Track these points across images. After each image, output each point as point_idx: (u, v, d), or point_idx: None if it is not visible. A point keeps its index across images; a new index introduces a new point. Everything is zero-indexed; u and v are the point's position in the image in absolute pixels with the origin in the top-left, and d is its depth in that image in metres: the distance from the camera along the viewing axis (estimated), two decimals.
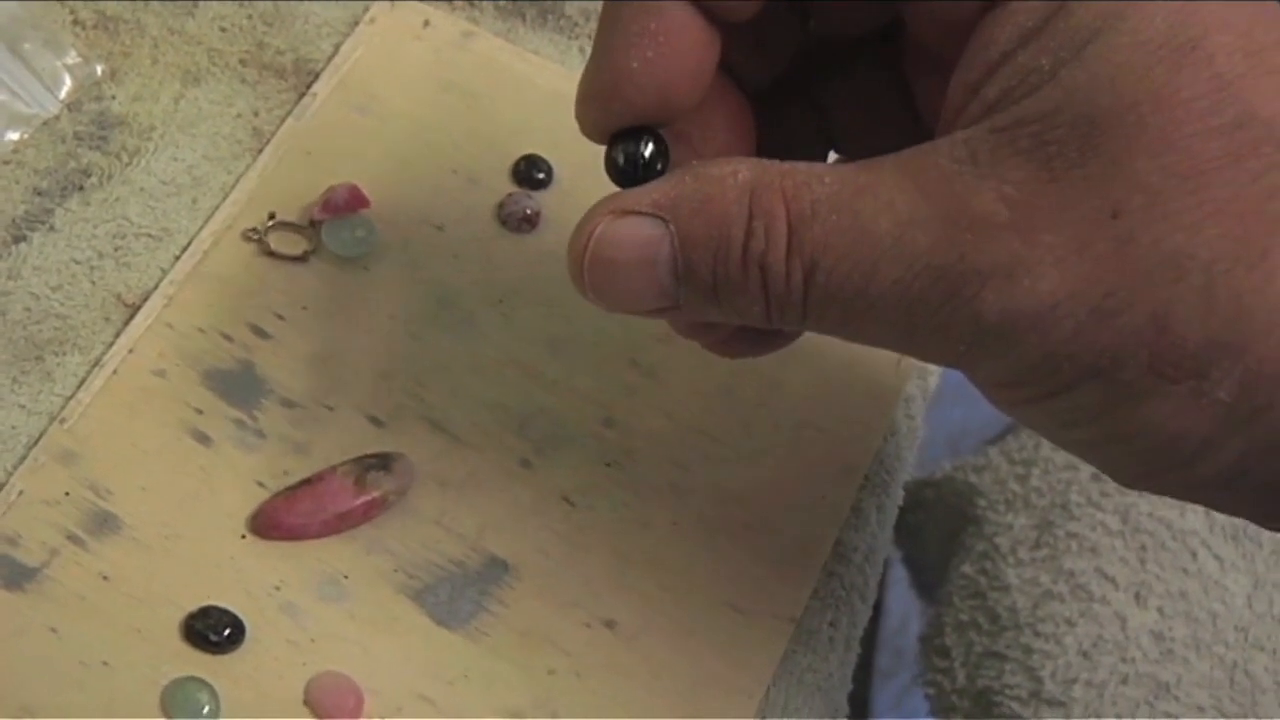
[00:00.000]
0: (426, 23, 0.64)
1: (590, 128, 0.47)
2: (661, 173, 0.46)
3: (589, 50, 0.63)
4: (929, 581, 0.87)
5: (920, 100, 0.49)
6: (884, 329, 0.44)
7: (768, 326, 0.46)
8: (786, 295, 0.44)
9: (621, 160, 0.46)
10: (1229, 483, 0.43)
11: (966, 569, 0.78)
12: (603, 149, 0.47)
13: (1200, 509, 0.76)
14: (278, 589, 0.54)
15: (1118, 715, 0.72)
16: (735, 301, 0.45)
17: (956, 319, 0.42)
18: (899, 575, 1.34)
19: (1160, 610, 0.74)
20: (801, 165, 0.44)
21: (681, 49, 0.45)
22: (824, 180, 0.43)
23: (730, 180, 0.44)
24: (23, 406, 0.56)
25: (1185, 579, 0.75)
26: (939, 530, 0.83)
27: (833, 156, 0.53)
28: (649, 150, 0.46)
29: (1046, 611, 0.75)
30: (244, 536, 0.55)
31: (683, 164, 0.46)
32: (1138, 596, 0.74)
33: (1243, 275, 0.40)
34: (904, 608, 1.36)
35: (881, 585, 1.40)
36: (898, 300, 0.43)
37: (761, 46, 0.48)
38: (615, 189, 0.46)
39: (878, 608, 1.42)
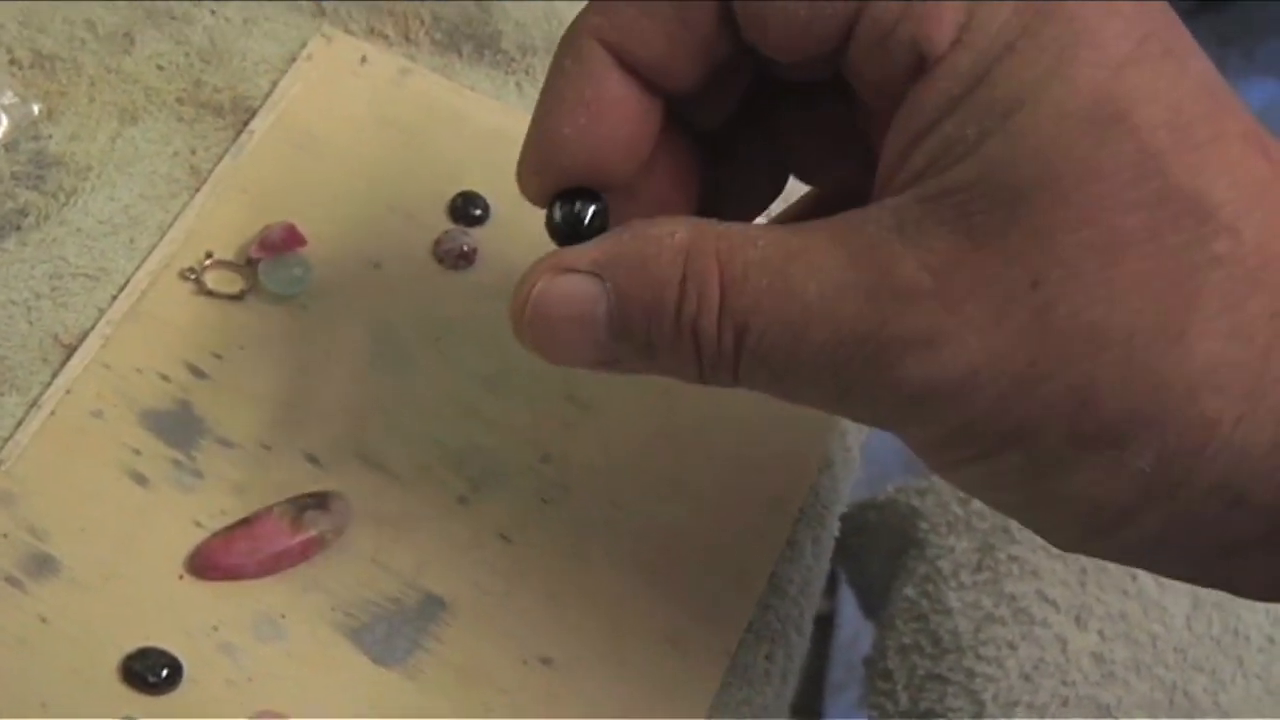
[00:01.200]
0: (363, 59, 0.64)
1: (530, 193, 0.48)
2: (601, 230, 0.46)
3: (525, 86, 0.63)
4: (873, 603, 0.87)
5: (872, 138, 0.48)
6: (813, 391, 0.44)
7: (701, 383, 0.46)
8: (718, 357, 0.44)
9: (559, 219, 0.46)
10: (1155, 551, 0.44)
11: (909, 592, 0.78)
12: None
13: None
14: (215, 629, 0.54)
15: None
16: (669, 361, 0.45)
17: (880, 385, 0.43)
18: (850, 592, 1.35)
19: (1101, 633, 0.74)
20: (738, 227, 0.44)
21: (617, 119, 0.45)
22: (758, 243, 0.43)
23: (667, 241, 0.44)
24: None
25: (1125, 600, 0.74)
26: (882, 552, 0.83)
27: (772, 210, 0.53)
28: (588, 212, 0.46)
29: (988, 634, 0.74)
30: (182, 577, 0.55)
31: (624, 217, 0.46)
32: (1078, 619, 0.74)
33: (1161, 349, 0.40)
34: (856, 623, 1.37)
35: (834, 598, 1.40)
36: (825, 364, 0.43)
37: (710, 97, 0.49)
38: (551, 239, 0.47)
39: (830, 621, 1.43)
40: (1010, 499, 0.45)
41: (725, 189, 0.51)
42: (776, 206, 0.52)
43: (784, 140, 0.51)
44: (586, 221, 0.46)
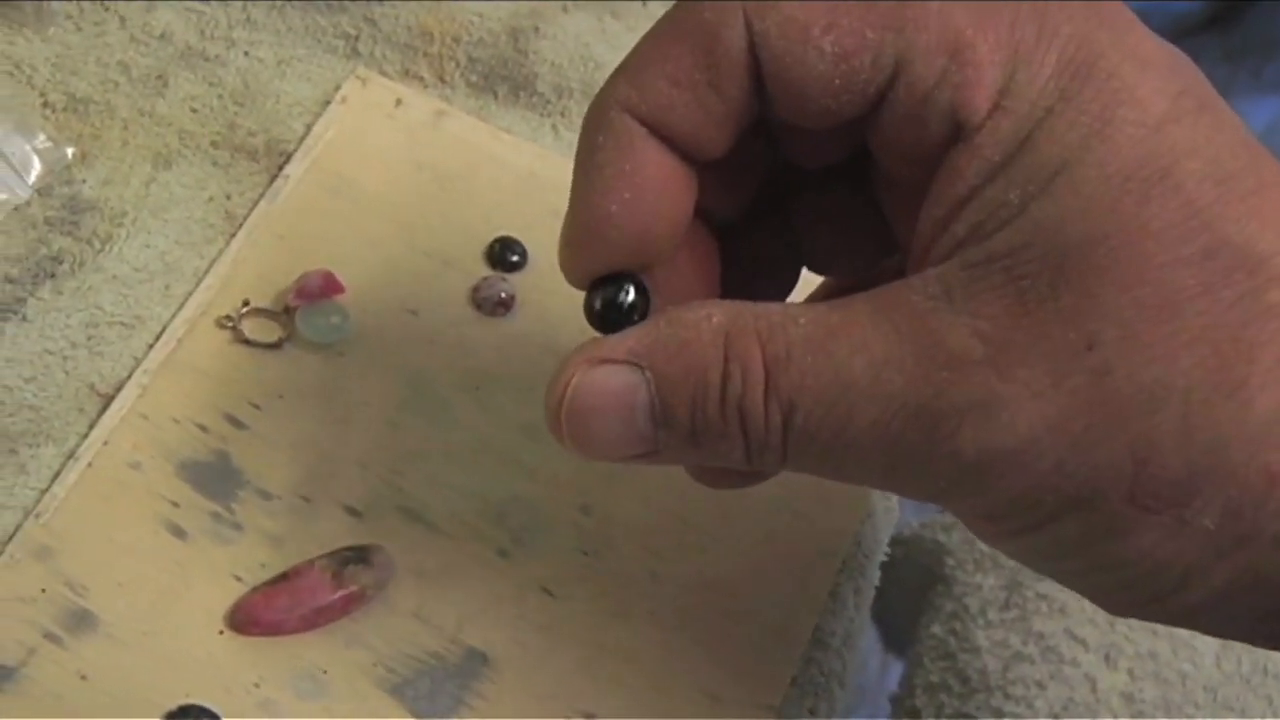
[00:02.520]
0: (399, 102, 0.64)
1: (573, 274, 0.47)
2: (640, 318, 0.45)
3: (561, 129, 0.63)
4: (898, 639, 0.87)
5: (892, 218, 0.48)
6: (864, 468, 0.44)
7: (747, 469, 0.45)
8: (765, 438, 0.44)
9: (599, 306, 0.46)
10: (1217, 610, 0.43)
11: (936, 629, 0.78)
12: None
13: None
14: (256, 686, 0.54)
15: None
16: (715, 445, 0.44)
17: (935, 457, 0.42)
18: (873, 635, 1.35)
19: (1130, 672, 0.74)
20: (775, 307, 0.44)
21: (658, 189, 0.45)
22: (798, 322, 0.43)
23: (705, 324, 0.44)
24: None
25: (1154, 640, 0.75)
26: (908, 589, 0.83)
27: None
28: (629, 297, 0.46)
29: (1017, 674, 0.75)
30: (222, 632, 0.54)
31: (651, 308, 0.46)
32: (1107, 658, 0.74)
33: (1220, 404, 0.40)
34: (881, 657, 1.37)
35: None
36: (876, 440, 0.43)
37: (730, 181, 0.48)
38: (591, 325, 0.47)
39: None
40: (1068, 566, 0.45)
41: (741, 283, 0.51)
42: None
43: (799, 230, 0.51)
44: (628, 306, 0.46)
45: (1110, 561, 0.43)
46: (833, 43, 0.42)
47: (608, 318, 0.46)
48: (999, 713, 0.75)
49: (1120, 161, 0.41)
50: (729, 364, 0.43)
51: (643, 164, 0.44)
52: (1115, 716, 0.73)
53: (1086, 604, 0.75)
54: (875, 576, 0.61)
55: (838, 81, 0.43)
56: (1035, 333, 0.41)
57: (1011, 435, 0.41)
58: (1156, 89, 0.41)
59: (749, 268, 0.50)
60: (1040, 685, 0.74)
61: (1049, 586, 0.76)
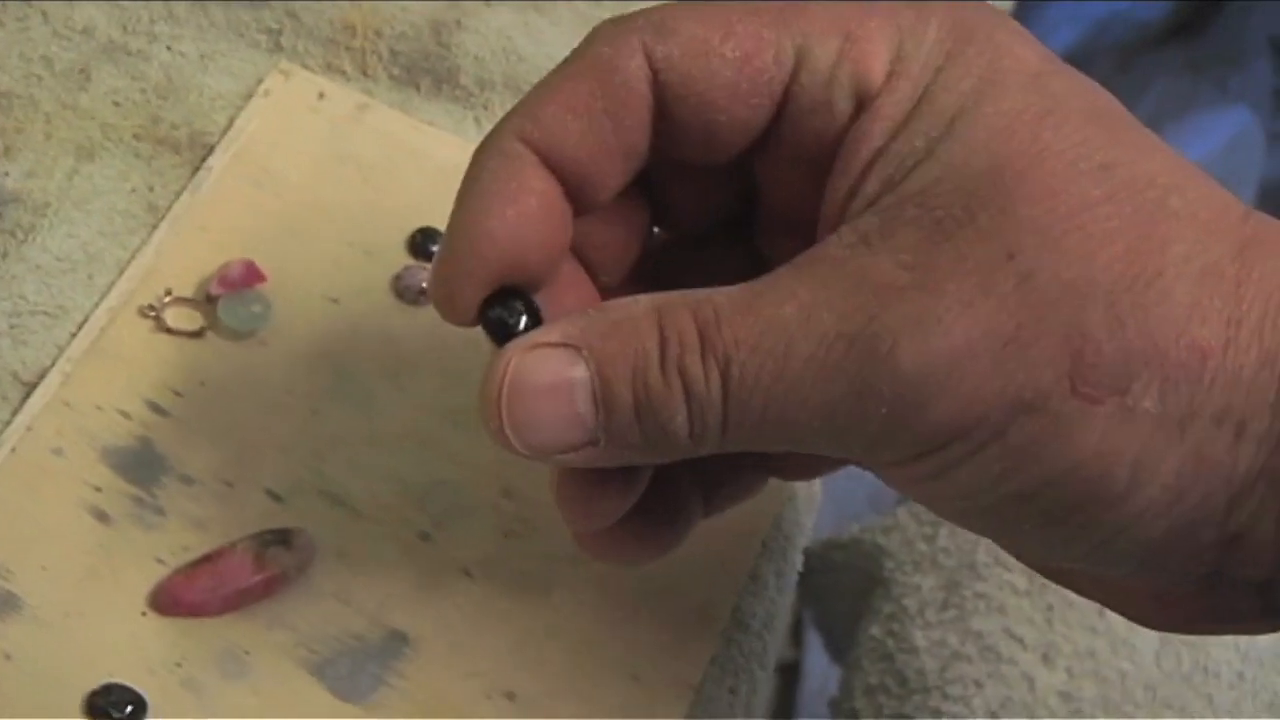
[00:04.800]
0: (321, 95, 0.67)
1: (458, 303, 0.49)
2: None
3: (484, 121, 0.66)
4: (840, 645, 0.88)
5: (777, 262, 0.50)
6: (804, 412, 0.45)
7: (689, 447, 0.46)
8: (706, 397, 0.45)
9: (494, 316, 0.48)
10: (1167, 516, 0.44)
11: (875, 631, 0.79)
12: None
13: None
14: (179, 665, 0.56)
15: None
16: (658, 416, 0.46)
17: (875, 379, 0.44)
18: (816, 637, 1.36)
19: (1069, 670, 0.75)
20: (695, 290, 0.46)
21: (542, 209, 0.47)
22: (724, 293, 0.45)
23: (634, 306, 0.46)
24: None
25: (1093, 638, 0.76)
26: (848, 592, 0.84)
27: None
28: (520, 306, 0.48)
29: (955, 673, 0.76)
30: (145, 614, 0.56)
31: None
32: (1045, 657, 0.75)
33: (1142, 291, 0.43)
34: (823, 669, 1.38)
35: (800, 647, 1.42)
36: (814, 377, 0.44)
37: (613, 242, 0.52)
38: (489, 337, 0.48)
39: (797, 670, 1.45)
40: (1019, 487, 0.45)
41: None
42: None
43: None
44: (525, 314, 0.48)
45: (1061, 470, 0.44)
46: (733, 48, 0.46)
47: (503, 327, 0.48)
48: (937, 713, 0.75)
49: (1010, 103, 0.45)
50: (665, 333, 0.45)
51: (528, 184, 0.47)
52: (1053, 715, 0.74)
53: (1025, 603, 0.77)
54: (798, 561, 0.64)
55: (744, 85, 0.47)
56: (957, 253, 0.44)
57: (947, 342, 0.43)
58: (1031, 49, 0.46)
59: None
60: (978, 684, 0.75)
61: (987, 586, 0.77)
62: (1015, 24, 0.47)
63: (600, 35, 0.48)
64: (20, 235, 0.63)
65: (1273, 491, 0.44)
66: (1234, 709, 0.76)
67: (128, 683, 0.55)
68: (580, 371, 0.46)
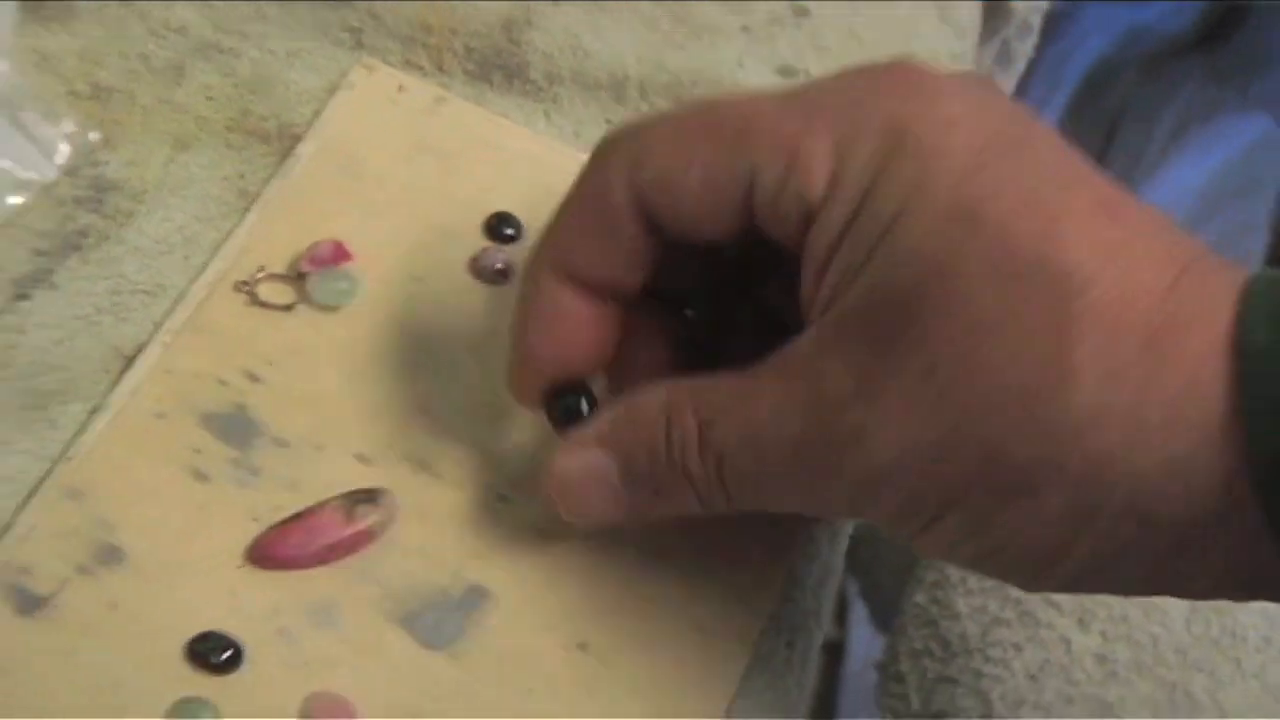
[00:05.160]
0: (400, 88, 0.68)
1: (520, 396, 0.58)
2: (593, 409, 0.57)
3: (552, 114, 0.67)
4: (885, 612, 0.88)
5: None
6: (789, 498, 0.52)
7: (703, 512, 0.54)
8: (707, 484, 0.53)
9: (560, 415, 0.57)
10: (1095, 576, 0.49)
11: (919, 598, 0.79)
12: None
13: None
14: (273, 616, 0.56)
15: None
16: (672, 498, 0.54)
17: (832, 482, 0.50)
18: (859, 617, 1.37)
19: (1103, 634, 0.75)
20: (708, 377, 0.53)
21: (579, 329, 0.55)
22: (720, 388, 0.52)
23: (651, 403, 0.53)
24: (29, 452, 0.58)
25: (1126, 604, 0.76)
26: (893, 563, 0.84)
27: None
28: (581, 404, 0.57)
29: (995, 637, 0.76)
30: (241, 567, 0.57)
31: (622, 385, 0.57)
32: (1081, 621, 0.75)
33: (1045, 403, 0.45)
34: (864, 650, 1.39)
35: (843, 627, 1.42)
36: (787, 475, 0.51)
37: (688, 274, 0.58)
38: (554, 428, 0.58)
39: (839, 650, 1.45)
40: (966, 554, 0.50)
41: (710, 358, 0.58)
42: None
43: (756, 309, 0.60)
44: (584, 412, 0.57)
45: (992, 547, 0.49)
46: (695, 175, 0.51)
47: (566, 421, 0.57)
48: (979, 674, 0.75)
49: (934, 213, 0.47)
50: (671, 431, 0.52)
51: (562, 310, 0.55)
52: (1089, 676, 0.74)
53: None
54: (849, 526, 0.65)
55: (708, 204, 0.52)
56: (890, 368, 0.47)
57: (881, 457, 0.48)
58: (962, 145, 0.48)
59: (716, 346, 0.59)
60: (1017, 648, 0.76)
61: None
62: (957, 108, 0.49)
63: (595, 164, 0.54)
64: (120, 220, 0.64)
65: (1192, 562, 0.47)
66: (1261, 672, 0.76)
67: (225, 631, 0.56)
68: (611, 466, 0.54)
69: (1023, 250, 0.46)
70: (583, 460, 0.55)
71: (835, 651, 1.45)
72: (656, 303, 0.58)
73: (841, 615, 1.39)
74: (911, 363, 0.47)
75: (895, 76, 0.50)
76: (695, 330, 0.59)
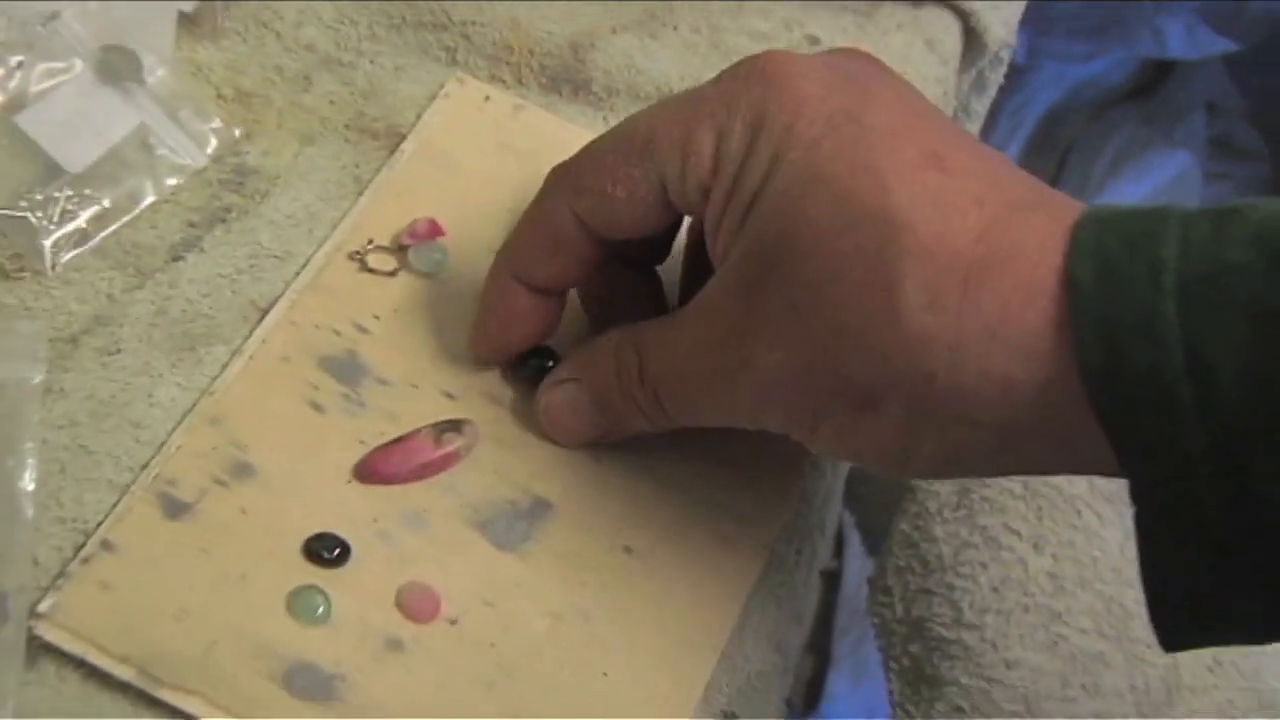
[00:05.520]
0: (487, 98, 0.66)
1: (481, 364, 0.59)
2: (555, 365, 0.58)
3: (610, 120, 0.65)
4: (875, 538, 0.87)
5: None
6: (713, 414, 0.53)
7: (655, 429, 0.55)
8: (650, 407, 0.54)
9: (529, 373, 0.59)
10: (950, 464, 0.49)
11: (904, 526, 0.78)
12: None
13: (1083, 479, 0.77)
14: (375, 521, 0.56)
15: (1020, 635, 0.72)
16: (629, 418, 0.55)
17: (737, 402, 0.51)
18: (855, 550, 1.35)
19: (1054, 556, 0.74)
20: (645, 323, 0.54)
21: (527, 319, 0.57)
22: (653, 330, 0.53)
23: (606, 345, 0.55)
24: (180, 384, 0.58)
25: (1073, 531, 0.75)
26: (883, 498, 0.83)
27: None
28: (548, 363, 0.58)
29: (965, 558, 0.75)
30: (349, 482, 0.56)
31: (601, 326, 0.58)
32: (1035, 545, 0.75)
33: (882, 330, 0.45)
34: (858, 576, 1.37)
35: (840, 558, 1.41)
36: (706, 396, 0.52)
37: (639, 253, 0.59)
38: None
39: (837, 576, 1.44)
40: (843, 453, 0.52)
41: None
42: None
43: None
44: (549, 368, 0.58)
45: (857, 448, 0.49)
46: (620, 191, 0.52)
47: (533, 378, 0.58)
48: (951, 587, 0.75)
49: (788, 179, 0.47)
50: (619, 367, 0.54)
51: (517, 307, 0.57)
52: (1041, 590, 0.74)
53: (1020, 504, 0.76)
54: None
55: (637, 212, 0.52)
56: (764, 307, 0.48)
57: (764, 379, 0.49)
58: (811, 119, 0.48)
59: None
60: (983, 566, 0.75)
61: (990, 492, 0.76)
62: (807, 89, 0.49)
63: (543, 193, 0.55)
64: (257, 199, 0.63)
65: (1016, 442, 0.47)
66: None
67: (336, 532, 0.55)
68: (584, 395, 0.56)
69: (856, 203, 0.46)
70: (560, 393, 0.56)
71: (833, 579, 1.43)
72: (632, 267, 0.58)
73: (839, 548, 1.38)
74: (778, 302, 0.48)
75: (760, 68, 0.50)
76: (658, 286, 0.60)
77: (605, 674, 0.55)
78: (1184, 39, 1.61)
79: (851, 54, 0.52)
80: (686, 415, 0.54)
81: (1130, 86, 1.70)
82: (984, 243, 0.45)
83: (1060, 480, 0.77)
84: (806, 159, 0.47)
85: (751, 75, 0.50)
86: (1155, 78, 1.71)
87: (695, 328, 0.51)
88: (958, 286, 0.45)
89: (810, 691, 1.39)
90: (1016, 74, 1.51)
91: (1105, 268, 0.43)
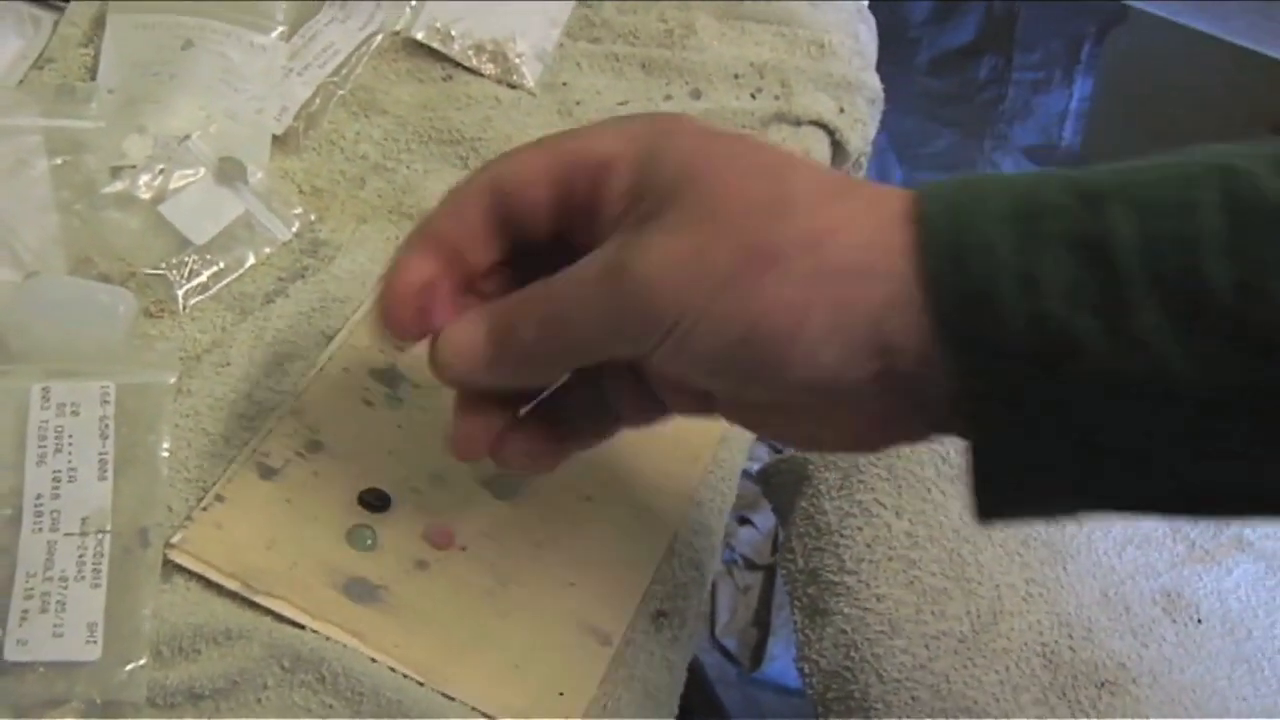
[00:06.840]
0: None
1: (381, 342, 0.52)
2: None
3: None
4: (785, 516, 0.87)
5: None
6: (602, 346, 0.46)
7: (547, 372, 0.50)
8: (538, 346, 0.47)
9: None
10: (827, 344, 0.42)
11: (802, 503, 0.80)
12: None
13: (932, 465, 0.78)
14: (409, 479, 0.58)
15: (886, 577, 0.74)
16: (521, 360, 0.48)
17: (622, 317, 0.44)
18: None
19: (910, 520, 0.76)
20: (539, 282, 0.47)
21: (416, 281, 0.49)
22: (540, 286, 0.47)
23: (510, 299, 0.48)
24: (271, 388, 0.60)
25: (924, 503, 0.77)
26: (790, 484, 0.82)
27: None
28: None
29: (847, 524, 0.77)
30: (390, 452, 0.59)
31: None
32: (897, 513, 0.77)
33: (781, 212, 0.42)
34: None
35: (778, 553, 1.41)
36: (592, 330, 0.45)
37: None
38: None
39: (774, 569, 1.45)
40: (727, 342, 0.43)
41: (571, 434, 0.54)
42: None
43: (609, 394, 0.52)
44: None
45: (749, 323, 0.42)
46: (545, 188, 0.47)
47: None
48: (837, 545, 0.77)
49: (683, 151, 0.44)
50: (513, 318, 0.47)
51: (420, 265, 0.49)
52: (901, 544, 0.76)
53: (887, 484, 0.77)
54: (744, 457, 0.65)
55: (558, 206, 0.47)
56: (648, 227, 0.43)
57: (660, 253, 0.43)
58: (694, 130, 0.45)
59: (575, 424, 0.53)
60: (859, 529, 0.77)
61: (865, 475, 0.78)
62: (696, 123, 0.46)
63: (471, 177, 0.48)
64: (327, 261, 0.66)
65: (906, 309, 0.41)
66: (1004, 541, 0.77)
67: (381, 487, 0.58)
68: (480, 330, 0.48)
69: (748, 156, 0.44)
70: (464, 326, 0.48)
71: (771, 571, 1.45)
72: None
73: (775, 547, 1.39)
74: (667, 217, 0.43)
75: (665, 114, 0.50)
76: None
77: (572, 584, 0.57)
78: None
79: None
80: (579, 356, 0.47)
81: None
82: (849, 190, 0.43)
83: (915, 466, 0.79)
84: (699, 142, 0.44)
85: (661, 115, 0.49)
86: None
87: (573, 276, 0.45)
88: (840, 180, 0.43)
89: (755, 653, 1.41)
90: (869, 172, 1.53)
91: (950, 203, 0.41)
